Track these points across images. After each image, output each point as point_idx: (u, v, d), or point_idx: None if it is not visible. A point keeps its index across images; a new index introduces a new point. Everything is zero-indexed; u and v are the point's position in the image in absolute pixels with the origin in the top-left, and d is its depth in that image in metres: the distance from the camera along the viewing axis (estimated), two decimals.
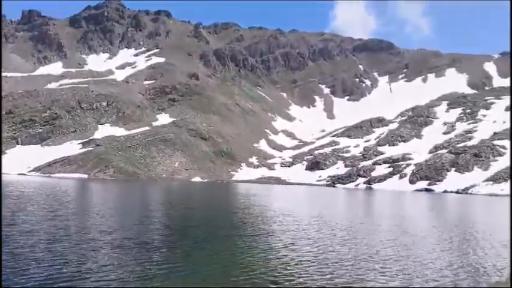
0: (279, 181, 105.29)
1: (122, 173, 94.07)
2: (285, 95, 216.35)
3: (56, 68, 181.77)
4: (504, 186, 73.62)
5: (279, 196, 56.86)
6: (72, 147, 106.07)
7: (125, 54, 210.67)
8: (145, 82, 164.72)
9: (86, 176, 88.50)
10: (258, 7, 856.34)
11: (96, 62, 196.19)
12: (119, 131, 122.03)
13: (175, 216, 27.64)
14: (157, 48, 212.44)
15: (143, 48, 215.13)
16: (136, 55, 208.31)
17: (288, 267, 13.45)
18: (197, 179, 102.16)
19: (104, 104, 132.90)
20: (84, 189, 56.12)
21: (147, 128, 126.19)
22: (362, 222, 27.27)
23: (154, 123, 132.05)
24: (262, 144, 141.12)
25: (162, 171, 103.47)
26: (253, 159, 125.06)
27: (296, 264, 13.87)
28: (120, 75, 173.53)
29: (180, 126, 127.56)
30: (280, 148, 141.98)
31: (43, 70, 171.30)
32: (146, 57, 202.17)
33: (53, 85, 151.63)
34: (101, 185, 67.29)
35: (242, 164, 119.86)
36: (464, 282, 12.54)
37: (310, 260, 14.52)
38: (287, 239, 18.55)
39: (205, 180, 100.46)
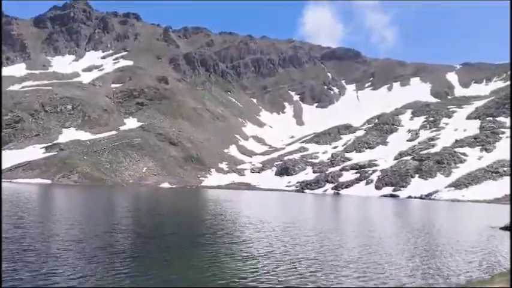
0: (249, 187, 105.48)
1: (87, 179, 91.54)
2: (255, 100, 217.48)
3: (19, 69, 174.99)
4: (465, 192, 76.90)
5: (251, 202, 57.01)
6: (35, 152, 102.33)
7: (92, 57, 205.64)
8: (113, 85, 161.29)
9: (49, 181, 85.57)
10: (228, 12, 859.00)
11: (62, 63, 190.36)
12: (85, 135, 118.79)
13: (147, 223, 27.21)
14: (125, 51, 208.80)
15: (111, 51, 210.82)
16: (103, 57, 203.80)
17: (267, 275, 13.58)
18: (166, 184, 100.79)
19: (69, 107, 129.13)
20: (48, 195, 54.24)
21: (113, 132, 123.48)
22: (333, 227, 27.83)
23: (122, 128, 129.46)
24: (232, 150, 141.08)
25: (129, 177, 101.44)
26: (223, 165, 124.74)
27: (274, 272, 13.97)
28: (86, 78, 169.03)
29: (148, 130, 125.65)
30: (250, 154, 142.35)
31: (5, 71, 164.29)
32: (114, 59, 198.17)
33: (15, 87, 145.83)
34: (66, 190, 65.22)
35: (212, 170, 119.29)
36: (428, 283, 13.08)
37: (288, 267, 14.71)
38: (263, 246, 18.67)
39: (174, 186, 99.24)
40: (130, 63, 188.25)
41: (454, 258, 17.80)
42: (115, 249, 16.55)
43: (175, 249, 17.51)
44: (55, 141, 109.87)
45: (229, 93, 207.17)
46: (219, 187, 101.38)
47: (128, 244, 18.09)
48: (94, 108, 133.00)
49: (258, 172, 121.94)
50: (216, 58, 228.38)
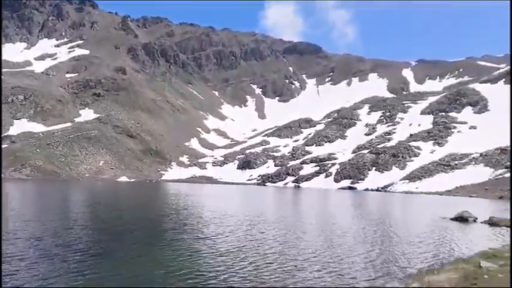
0: (210, 180, 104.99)
1: (40, 172, 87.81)
2: (216, 93, 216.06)
3: None
4: (418, 184, 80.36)
5: (214, 196, 56.67)
6: None
7: (45, 45, 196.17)
8: (68, 75, 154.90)
9: None
10: (189, 3, 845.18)
11: (12, 51, 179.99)
12: (37, 127, 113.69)
13: (107, 219, 26.27)
14: (81, 40, 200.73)
15: (65, 39, 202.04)
16: (57, 46, 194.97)
17: (236, 271, 13.50)
18: (123, 178, 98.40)
19: (21, 97, 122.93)
20: None
21: (68, 124, 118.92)
22: (295, 220, 28.23)
23: (77, 119, 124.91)
24: (194, 143, 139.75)
25: (85, 171, 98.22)
26: (184, 158, 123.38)
27: (242, 268, 13.91)
28: (39, 67, 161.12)
29: (105, 122, 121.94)
30: (212, 147, 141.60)
31: None
32: (69, 48, 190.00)
33: None
34: (18, 185, 62.12)
35: (172, 163, 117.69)
36: (382, 274, 13.57)
37: (253, 262, 14.72)
38: (229, 241, 18.55)
39: (132, 180, 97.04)
40: (86, 52, 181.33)
41: (408, 249, 18.53)
42: (77, 247, 15.82)
43: (140, 246, 16.97)
44: (6, 134, 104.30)
45: (190, 85, 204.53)
46: (179, 181, 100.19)
47: (89, 241, 17.37)
48: (47, 99, 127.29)
49: (220, 165, 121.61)
50: (177, 49, 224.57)
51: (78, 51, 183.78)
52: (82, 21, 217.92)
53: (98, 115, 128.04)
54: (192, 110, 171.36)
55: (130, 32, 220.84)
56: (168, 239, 18.61)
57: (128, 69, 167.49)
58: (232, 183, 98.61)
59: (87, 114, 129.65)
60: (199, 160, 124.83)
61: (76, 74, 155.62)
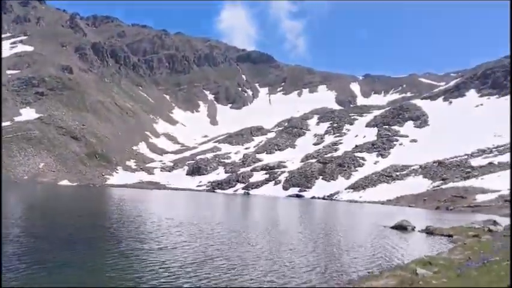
0: (158, 186, 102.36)
1: None
2: (168, 97, 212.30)
3: None
4: (362, 194, 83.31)
5: (165, 203, 55.11)
6: None
7: None
8: (8, 72, 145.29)
9: None
10: (142, 4, 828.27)
11: None
12: None
13: (55, 227, 24.44)
14: (25, 35, 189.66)
15: (8, 34, 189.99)
16: None
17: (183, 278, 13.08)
18: (65, 182, 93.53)
19: None
20: None
21: (7, 123, 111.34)
22: (243, 227, 28.08)
23: (17, 119, 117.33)
24: (142, 147, 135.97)
25: (23, 173, 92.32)
26: (131, 163, 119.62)
27: (195, 275, 13.51)
28: None
29: (47, 123, 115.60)
30: (161, 152, 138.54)
31: None
32: (11, 44, 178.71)
33: None
34: None
35: (118, 168, 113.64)
36: (324, 278, 13.80)
37: (204, 268, 14.35)
38: (188, 251, 17.98)
39: (75, 184, 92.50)
40: (30, 48, 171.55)
41: (350, 255, 19.01)
42: (23, 258, 14.46)
43: (95, 257, 15.60)
44: None
45: (140, 87, 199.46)
46: (125, 186, 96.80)
47: (38, 251, 15.89)
48: None
49: (169, 171, 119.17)
50: (128, 50, 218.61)
51: (21, 47, 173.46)
52: (27, 16, 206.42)
53: (40, 115, 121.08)
54: (142, 113, 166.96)
55: (79, 30, 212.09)
56: (125, 248, 17.48)
57: (75, 68, 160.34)
58: (181, 190, 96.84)
59: (29, 114, 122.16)
60: (147, 165, 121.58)
61: (18, 71, 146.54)
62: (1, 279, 10.45)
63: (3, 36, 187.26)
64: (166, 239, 20.53)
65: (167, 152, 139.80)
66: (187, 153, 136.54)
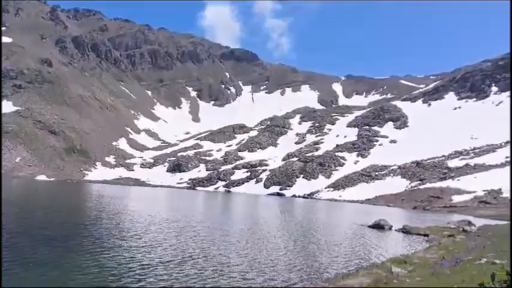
0: (137, 182, 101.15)
1: None
2: (150, 93, 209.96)
3: None
4: (342, 193, 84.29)
5: (146, 200, 54.40)
6: None
7: None
8: None
9: None
10: None
11: None
12: None
13: (35, 223, 23.89)
14: (3, 27, 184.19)
15: None
16: None
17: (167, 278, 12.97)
18: (42, 177, 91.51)
19: None
20: None
21: None
22: (223, 224, 28.04)
23: None
24: (122, 143, 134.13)
25: None
26: (111, 158, 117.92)
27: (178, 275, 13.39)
28: None
29: (25, 116, 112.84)
30: (142, 148, 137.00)
31: None
32: None
33: None
34: None
35: (97, 163, 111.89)
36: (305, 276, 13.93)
37: (183, 267, 14.26)
38: (171, 249, 17.80)
39: (52, 179, 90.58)
40: (8, 40, 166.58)
41: (328, 254, 19.25)
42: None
43: (77, 254, 15.22)
44: None
45: (121, 82, 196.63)
46: (104, 182, 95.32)
47: (17, 248, 15.40)
48: None
49: (149, 167, 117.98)
50: (109, 45, 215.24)
51: None
52: (6, 6, 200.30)
53: (18, 108, 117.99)
54: (123, 109, 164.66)
55: (60, 22, 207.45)
56: (105, 246, 17.12)
57: (55, 61, 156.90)
58: (162, 186, 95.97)
59: (6, 107, 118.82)
60: (127, 161, 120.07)
61: None
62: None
63: None
64: (146, 237, 20.37)
65: (148, 149, 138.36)
66: (168, 150, 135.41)
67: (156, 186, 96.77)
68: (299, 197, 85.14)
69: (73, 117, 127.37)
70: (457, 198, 63.50)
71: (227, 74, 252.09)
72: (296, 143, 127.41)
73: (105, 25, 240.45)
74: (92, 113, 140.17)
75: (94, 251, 16.00)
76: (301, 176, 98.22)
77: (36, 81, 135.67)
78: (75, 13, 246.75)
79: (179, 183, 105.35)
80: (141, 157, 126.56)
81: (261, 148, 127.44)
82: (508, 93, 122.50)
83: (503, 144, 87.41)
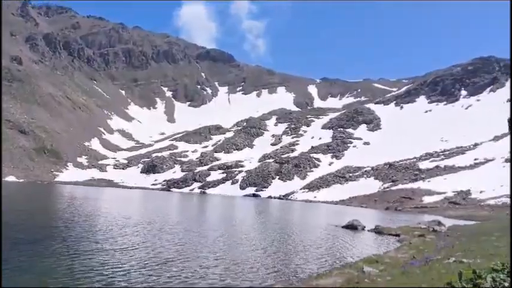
0: (111, 184, 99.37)
1: None
2: (123, 93, 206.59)
3: None
4: (316, 194, 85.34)
5: (121, 201, 53.51)
6: None
7: None
8: None
9: None
10: None
11: None
12: None
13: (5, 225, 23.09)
14: None
15: None
16: None
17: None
18: (11, 178, 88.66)
19: None
20: None
21: None
22: (197, 226, 28.00)
23: None
24: (94, 144, 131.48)
25: None
26: (83, 159, 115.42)
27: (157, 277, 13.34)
28: None
29: None
30: (115, 149, 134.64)
31: None
32: None
33: None
34: None
35: (69, 164, 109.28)
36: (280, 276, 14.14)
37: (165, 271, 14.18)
38: (145, 251, 17.63)
39: (21, 180, 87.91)
40: None
41: (302, 254, 19.55)
42: None
43: (49, 258, 14.94)
44: None
45: (94, 81, 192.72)
46: (76, 183, 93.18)
47: None
48: None
49: (122, 169, 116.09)
50: (82, 43, 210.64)
51: None
52: None
53: None
54: (95, 108, 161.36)
55: (30, 19, 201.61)
56: (78, 249, 16.66)
57: (25, 59, 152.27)
58: (135, 188, 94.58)
59: None
60: (100, 162, 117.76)
61: None
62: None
63: None
64: (121, 239, 20.12)
65: (121, 149, 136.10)
66: (142, 151, 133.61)
67: (130, 187, 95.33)
68: (275, 198, 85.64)
69: (43, 116, 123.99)
70: (427, 199, 65.35)
71: (203, 74, 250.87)
72: (272, 144, 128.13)
73: (78, 23, 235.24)
74: (64, 112, 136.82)
75: (67, 254, 15.72)
76: (277, 177, 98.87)
77: (6, 80, 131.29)
78: (47, 10, 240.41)
79: (154, 184, 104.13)
80: (114, 158, 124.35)
81: (237, 149, 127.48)
82: (476, 97, 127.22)
83: (471, 146, 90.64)
